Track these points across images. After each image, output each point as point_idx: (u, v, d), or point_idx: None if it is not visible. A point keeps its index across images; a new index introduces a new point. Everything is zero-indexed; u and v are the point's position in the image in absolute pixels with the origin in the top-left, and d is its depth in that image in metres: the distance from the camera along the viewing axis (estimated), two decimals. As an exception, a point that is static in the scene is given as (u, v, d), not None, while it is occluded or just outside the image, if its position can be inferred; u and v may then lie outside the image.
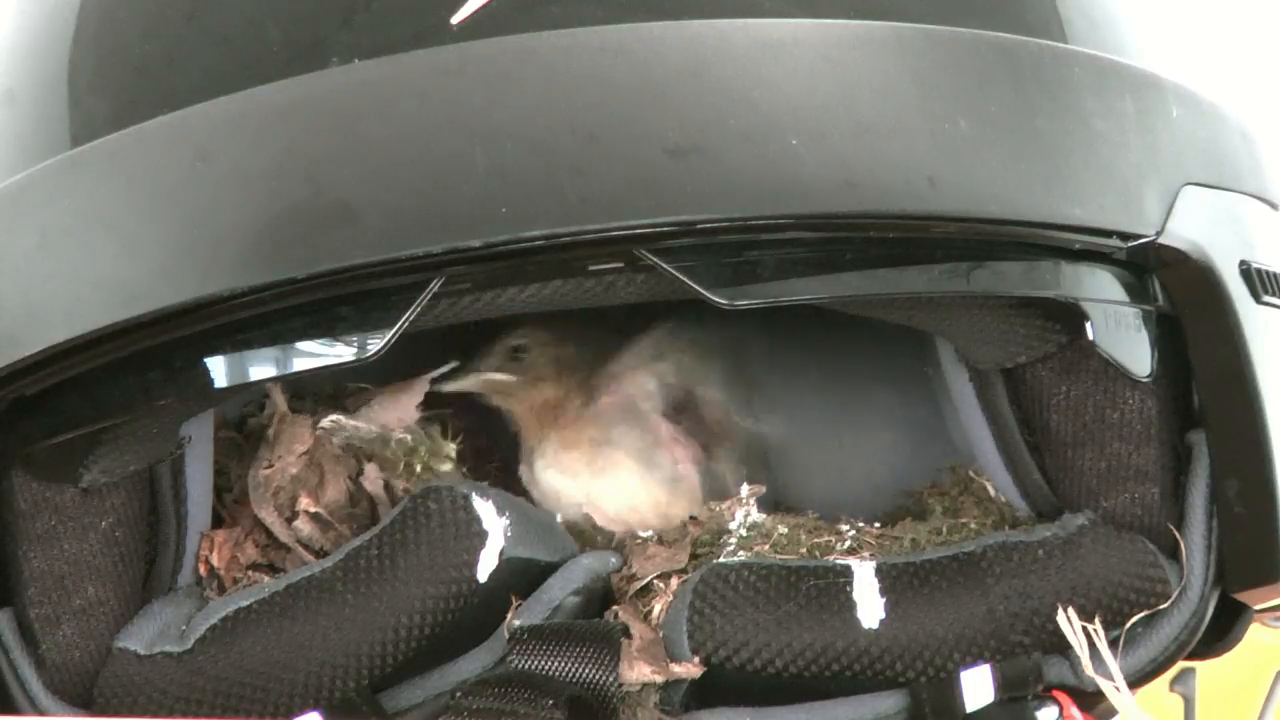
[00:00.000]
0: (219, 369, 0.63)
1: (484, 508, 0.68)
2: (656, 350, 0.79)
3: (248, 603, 0.68)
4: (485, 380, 0.79)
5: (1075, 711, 0.68)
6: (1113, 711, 0.67)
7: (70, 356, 0.63)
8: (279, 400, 0.75)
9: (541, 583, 0.69)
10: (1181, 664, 0.71)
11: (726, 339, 0.80)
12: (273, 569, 0.73)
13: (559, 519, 0.75)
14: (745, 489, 0.75)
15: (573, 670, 0.65)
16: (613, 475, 0.77)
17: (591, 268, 0.63)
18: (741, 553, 0.71)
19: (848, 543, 0.73)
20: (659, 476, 0.77)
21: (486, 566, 0.67)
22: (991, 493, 0.75)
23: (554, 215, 0.59)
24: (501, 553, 0.67)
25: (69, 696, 0.68)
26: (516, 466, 0.80)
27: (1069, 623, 0.67)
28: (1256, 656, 0.95)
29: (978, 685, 0.67)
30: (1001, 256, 0.65)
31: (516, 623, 0.67)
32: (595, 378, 0.79)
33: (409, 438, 0.76)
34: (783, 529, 0.73)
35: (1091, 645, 0.67)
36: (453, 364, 0.80)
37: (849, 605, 0.67)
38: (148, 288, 0.61)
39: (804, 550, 0.72)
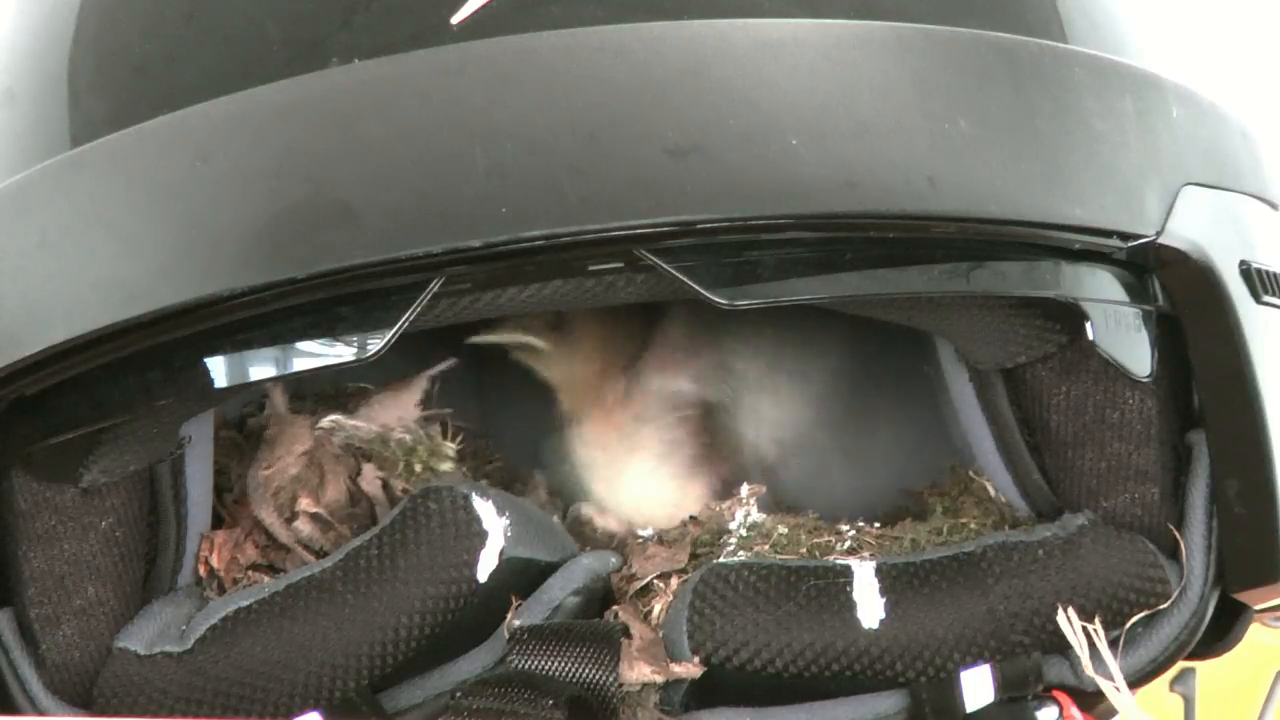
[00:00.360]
0: (219, 369, 0.63)
1: (484, 508, 0.68)
2: (688, 347, 0.79)
3: (248, 603, 0.68)
4: (518, 339, 0.78)
5: (1075, 711, 0.68)
6: (1113, 711, 0.67)
7: (70, 356, 0.63)
8: (278, 400, 0.75)
9: (541, 583, 0.69)
10: (1181, 664, 0.71)
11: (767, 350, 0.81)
12: (273, 569, 0.73)
13: (580, 510, 0.75)
14: (745, 489, 0.75)
15: (573, 670, 0.65)
16: (633, 464, 0.77)
17: (591, 268, 0.63)
18: (741, 553, 0.71)
19: (848, 543, 0.73)
20: (672, 472, 0.78)
21: (486, 566, 0.67)
22: (991, 493, 0.75)
23: (554, 215, 0.59)
24: (501, 553, 0.67)
25: (69, 696, 0.68)
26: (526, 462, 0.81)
27: (1069, 623, 0.67)
28: (1256, 656, 0.95)
29: (978, 685, 0.67)
30: (1001, 256, 0.65)
31: (516, 623, 0.67)
32: (635, 364, 0.79)
33: (408, 438, 0.76)
34: (783, 529, 0.73)
35: (1091, 645, 0.67)
36: (451, 361, 0.80)
37: (849, 605, 0.67)
38: (148, 288, 0.61)
39: (804, 550, 0.72)
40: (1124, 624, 0.68)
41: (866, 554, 0.71)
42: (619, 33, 0.61)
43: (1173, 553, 0.69)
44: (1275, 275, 0.71)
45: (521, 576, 0.68)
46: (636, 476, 0.78)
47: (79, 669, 0.68)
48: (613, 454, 0.78)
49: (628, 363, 0.79)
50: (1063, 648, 0.67)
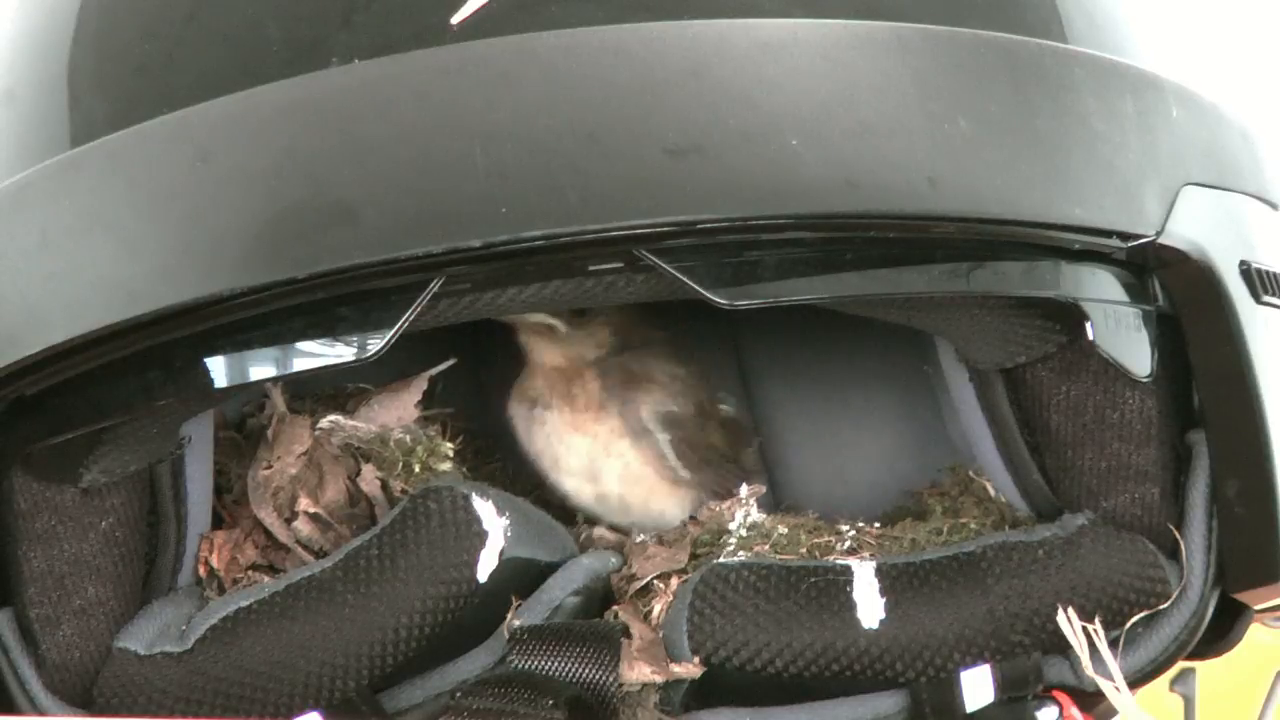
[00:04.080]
0: (219, 369, 0.63)
1: (484, 508, 0.68)
2: (677, 357, 0.79)
3: (248, 603, 0.68)
4: (541, 320, 0.77)
5: (1075, 711, 0.68)
6: (1113, 711, 0.67)
7: (70, 356, 0.63)
8: (278, 401, 0.75)
9: (541, 583, 0.69)
10: (1181, 664, 0.71)
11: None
12: (272, 569, 0.73)
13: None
14: (745, 489, 0.75)
15: (573, 670, 0.65)
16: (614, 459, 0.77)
17: (591, 268, 0.63)
18: (741, 553, 0.71)
19: (848, 543, 0.73)
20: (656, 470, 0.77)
21: (486, 566, 0.67)
22: (991, 493, 0.75)
23: (554, 215, 0.59)
24: (501, 553, 0.67)
25: (69, 696, 0.68)
26: (509, 443, 0.80)
27: (1069, 623, 0.67)
28: (1256, 656, 0.95)
29: (978, 685, 0.67)
30: (1001, 256, 0.65)
31: (516, 623, 0.67)
32: (621, 360, 0.78)
33: (407, 438, 0.76)
34: (783, 529, 0.73)
35: (1091, 645, 0.67)
36: (451, 361, 0.80)
37: (849, 605, 0.67)
38: (148, 288, 0.61)
39: (804, 550, 0.72)
40: (1124, 624, 0.68)
41: (866, 554, 0.71)
42: (619, 33, 0.61)
43: (1173, 553, 0.69)
44: (1275, 275, 0.71)
45: (521, 576, 0.68)
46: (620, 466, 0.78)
47: (79, 669, 0.68)
48: (595, 453, 0.78)
49: (605, 360, 0.78)
50: (1063, 648, 0.67)
